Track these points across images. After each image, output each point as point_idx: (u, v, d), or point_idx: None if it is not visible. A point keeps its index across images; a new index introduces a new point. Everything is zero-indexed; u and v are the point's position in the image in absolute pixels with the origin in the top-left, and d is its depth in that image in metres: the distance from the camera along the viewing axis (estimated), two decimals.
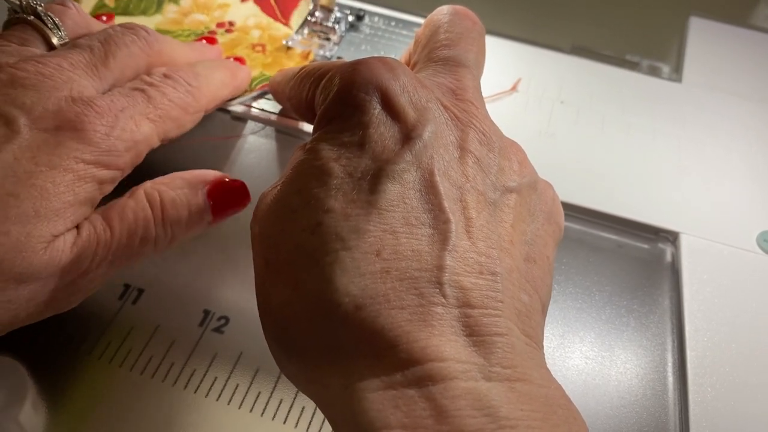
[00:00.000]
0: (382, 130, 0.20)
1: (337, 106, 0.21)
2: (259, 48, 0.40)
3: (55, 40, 0.29)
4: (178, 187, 0.27)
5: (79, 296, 0.25)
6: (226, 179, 0.28)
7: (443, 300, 0.18)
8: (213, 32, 0.40)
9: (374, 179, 0.19)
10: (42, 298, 0.24)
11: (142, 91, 0.28)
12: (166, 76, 0.29)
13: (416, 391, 0.16)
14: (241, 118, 0.36)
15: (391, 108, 0.21)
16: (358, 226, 0.19)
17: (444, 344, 0.17)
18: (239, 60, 0.38)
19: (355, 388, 0.17)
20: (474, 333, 0.18)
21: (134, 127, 0.26)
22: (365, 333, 0.18)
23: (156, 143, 0.28)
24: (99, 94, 0.26)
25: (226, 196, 0.27)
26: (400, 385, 0.17)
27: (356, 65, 0.22)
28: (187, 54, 0.32)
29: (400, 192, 0.19)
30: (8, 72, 0.25)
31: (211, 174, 0.28)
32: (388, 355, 0.17)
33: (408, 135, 0.20)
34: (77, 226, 0.25)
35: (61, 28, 0.29)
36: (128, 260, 0.26)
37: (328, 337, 0.18)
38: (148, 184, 0.27)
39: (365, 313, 0.18)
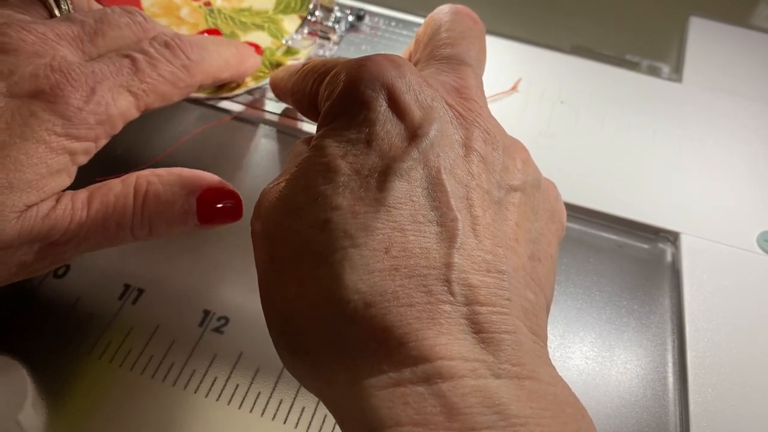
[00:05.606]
0: (389, 127, 0.20)
1: (343, 102, 0.21)
2: None
3: (57, 14, 0.28)
4: (169, 183, 0.26)
5: (50, 264, 0.25)
6: (225, 188, 0.27)
7: (451, 298, 0.18)
8: (208, 3, 0.40)
9: (382, 177, 0.19)
10: (12, 262, 0.24)
11: (133, 60, 0.27)
12: (166, 44, 0.28)
13: (426, 388, 0.16)
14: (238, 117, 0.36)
15: (397, 105, 0.21)
16: (367, 224, 0.19)
17: (452, 342, 0.17)
18: (256, 48, 0.37)
19: (363, 386, 0.17)
20: (482, 330, 0.18)
21: (110, 100, 0.26)
22: (374, 330, 0.17)
23: (135, 115, 0.27)
24: (81, 62, 0.26)
25: (217, 205, 0.26)
26: (409, 382, 0.17)
27: (363, 61, 0.21)
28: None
29: (408, 189, 0.19)
30: None
31: (208, 179, 0.27)
32: (396, 353, 0.17)
33: (414, 133, 0.20)
34: (58, 198, 0.25)
35: (70, 8, 0.29)
36: (105, 241, 0.26)
37: (335, 334, 0.18)
38: (145, 172, 0.26)
39: (374, 310, 0.18)
